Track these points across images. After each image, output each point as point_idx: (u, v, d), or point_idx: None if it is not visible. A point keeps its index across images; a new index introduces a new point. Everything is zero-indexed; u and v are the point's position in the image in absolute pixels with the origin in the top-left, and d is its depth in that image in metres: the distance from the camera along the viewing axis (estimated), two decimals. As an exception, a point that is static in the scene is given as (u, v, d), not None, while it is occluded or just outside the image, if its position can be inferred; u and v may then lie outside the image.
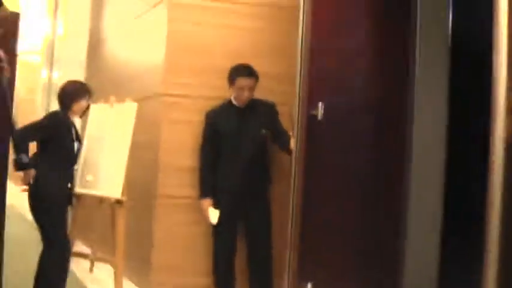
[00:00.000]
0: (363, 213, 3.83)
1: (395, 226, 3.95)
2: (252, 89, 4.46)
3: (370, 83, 3.87)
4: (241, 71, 4.44)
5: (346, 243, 3.81)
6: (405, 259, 4.14)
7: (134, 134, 4.45)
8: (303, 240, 3.72)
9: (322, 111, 3.62)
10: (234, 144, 4.46)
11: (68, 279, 4.95)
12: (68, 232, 4.49)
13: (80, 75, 7.53)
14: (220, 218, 4.45)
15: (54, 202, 4.13)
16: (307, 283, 3.69)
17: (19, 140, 3.97)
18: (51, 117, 4.25)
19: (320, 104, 3.64)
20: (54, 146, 4.17)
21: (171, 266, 4.65)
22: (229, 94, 4.56)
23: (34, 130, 4.15)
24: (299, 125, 3.72)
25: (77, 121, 4.64)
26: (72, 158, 4.28)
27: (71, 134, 4.25)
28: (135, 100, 4.66)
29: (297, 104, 3.74)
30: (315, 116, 3.62)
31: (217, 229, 4.53)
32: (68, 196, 4.28)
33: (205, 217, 4.51)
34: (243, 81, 4.42)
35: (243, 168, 4.44)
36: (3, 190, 4.04)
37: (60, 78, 7.49)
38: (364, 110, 3.84)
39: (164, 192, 4.68)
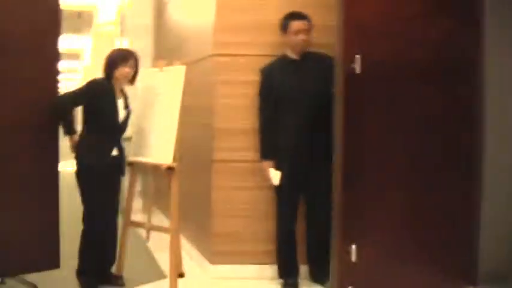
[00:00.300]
0: (409, 173, 3.65)
1: (447, 184, 3.74)
2: (307, 32, 4.31)
3: (423, 31, 3.62)
4: (293, 15, 4.35)
5: (390, 204, 3.64)
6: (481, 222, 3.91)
7: (188, 97, 4.41)
8: (347, 201, 3.56)
9: (361, 65, 3.41)
10: (293, 100, 4.32)
11: (136, 247, 5.05)
12: (125, 201, 4.54)
13: (148, 42, 7.60)
14: (282, 180, 4.31)
15: (90, 171, 4.16)
16: (351, 245, 3.56)
17: (60, 107, 4.04)
18: (90, 83, 4.29)
19: (358, 56, 3.43)
20: (95, 113, 4.23)
21: (230, 233, 4.64)
22: (284, 50, 4.42)
23: (73, 97, 4.22)
24: (337, 79, 3.53)
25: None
26: (115, 126, 4.29)
27: (113, 101, 4.25)
28: (190, 63, 4.61)
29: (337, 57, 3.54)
30: (353, 70, 3.41)
31: (279, 193, 4.42)
32: (113, 165, 4.27)
33: (266, 179, 4.41)
34: (296, 24, 4.31)
35: (303, 126, 4.29)
36: (55, 158, 4.13)
37: (130, 47, 7.56)
38: (414, 63, 3.61)
39: (220, 157, 4.61)
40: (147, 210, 4.74)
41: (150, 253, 5.33)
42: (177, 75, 4.41)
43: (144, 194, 6.77)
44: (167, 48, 6.75)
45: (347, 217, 3.64)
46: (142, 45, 7.54)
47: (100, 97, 4.22)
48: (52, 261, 4.20)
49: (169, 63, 4.59)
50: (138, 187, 6.03)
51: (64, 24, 15.67)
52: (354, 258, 3.64)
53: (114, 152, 4.30)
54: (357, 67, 3.50)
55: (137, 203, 6.33)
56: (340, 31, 3.55)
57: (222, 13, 4.61)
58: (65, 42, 17.39)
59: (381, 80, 3.61)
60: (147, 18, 7.68)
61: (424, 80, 3.68)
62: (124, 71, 4.28)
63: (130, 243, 4.60)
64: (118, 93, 4.35)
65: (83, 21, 15.62)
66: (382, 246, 3.72)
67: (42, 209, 4.13)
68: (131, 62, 4.32)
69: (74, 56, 21.40)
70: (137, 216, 5.33)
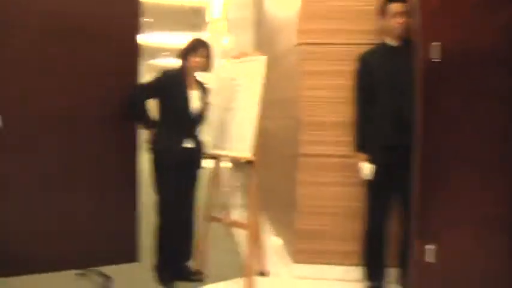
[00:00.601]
0: (493, 169, 3.40)
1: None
2: (406, 15, 4.10)
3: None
4: None
5: (473, 200, 3.40)
6: None
7: (275, 89, 4.33)
8: (425, 201, 3.39)
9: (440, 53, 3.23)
10: (391, 90, 4.09)
11: (224, 243, 5.05)
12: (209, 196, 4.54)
13: (249, 36, 7.67)
14: (375, 175, 4.13)
15: (161, 160, 4.21)
16: (428, 245, 3.38)
17: (131, 99, 4.11)
18: (161, 74, 4.31)
19: (436, 43, 3.23)
20: (166, 103, 4.24)
21: (315, 231, 4.54)
22: (376, 39, 4.24)
23: (143, 89, 4.25)
24: (415, 67, 3.36)
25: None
26: (187, 116, 4.27)
27: (184, 92, 4.26)
28: (278, 54, 4.52)
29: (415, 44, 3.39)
30: (430, 58, 3.24)
31: (371, 188, 4.23)
32: (187, 157, 4.27)
33: (359, 174, 4.22)
34: (395, 6, 4.12)
35: (401, 118, 4.05)
36: (134, 150, 4.21)
37: (232, 41, 7.66)
38: (494, 50, 3.38)
39: (306, 151, 4.50)
40: (226, 206, 4.73)
41: (237, 249, 5.32)
42: (258, 66, 4.36)
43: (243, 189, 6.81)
44: (264, 41, 6.74)
45: (425, 215, 3.50)
46: (244, 39, 7.62)
47: (170, 87, 4.24)
48: (131, 255, 4.28)
49: (251, 54, 4.56)
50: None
51: (180, 20, 16.04)
52: (432, 259, 3.46)
53: (188, 144, 4.30)
54: (435, 54, 3.33)
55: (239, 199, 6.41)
56: (417, 17, 3.40)
57: (307, 0, 4.50)
58: (182, 39, 17.87)
59: (460, 68, 3.43)
60: (248, 13, 7.74)
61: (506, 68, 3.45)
62: (194, 60, 4.30)
63: (219, 239, 4.59)
64: (191, 84, 4.36)
65: (200, 18, 15.98)
66: (463, 246, 3.52)
67: (122, 203, 4.24)
68: (201, 51, 4.32)
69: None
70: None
